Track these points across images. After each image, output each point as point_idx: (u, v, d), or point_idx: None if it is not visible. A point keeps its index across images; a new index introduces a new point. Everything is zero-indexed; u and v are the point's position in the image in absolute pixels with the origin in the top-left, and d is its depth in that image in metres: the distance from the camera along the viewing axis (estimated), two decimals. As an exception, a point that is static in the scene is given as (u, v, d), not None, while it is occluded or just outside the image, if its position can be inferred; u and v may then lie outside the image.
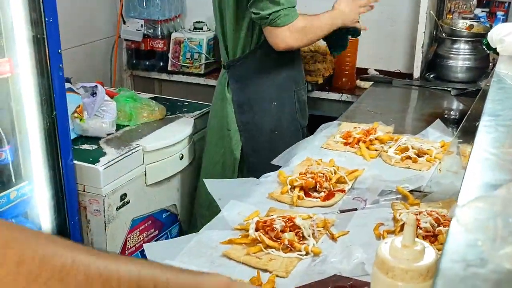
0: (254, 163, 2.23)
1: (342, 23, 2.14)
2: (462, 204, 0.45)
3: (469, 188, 0.50)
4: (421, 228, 1.27)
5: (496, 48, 1.40)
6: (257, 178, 1.65)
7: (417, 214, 1.33)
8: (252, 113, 2.20)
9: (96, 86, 2.16)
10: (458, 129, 1.69)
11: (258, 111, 2.20)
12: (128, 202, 2.16)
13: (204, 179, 1.65)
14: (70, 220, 2.00)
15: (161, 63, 3.26)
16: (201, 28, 3.24)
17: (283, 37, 1.99)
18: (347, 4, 2.13)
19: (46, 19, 1.77)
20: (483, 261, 0.40)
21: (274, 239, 1.26)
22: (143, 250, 2.29)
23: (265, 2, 1.95)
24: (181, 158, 2.39)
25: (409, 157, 1.73)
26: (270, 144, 2.21)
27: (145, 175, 2.23)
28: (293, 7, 2.01)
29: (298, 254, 1.24)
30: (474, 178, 0.53)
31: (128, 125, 2.38)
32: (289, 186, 1.54)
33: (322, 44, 3.17)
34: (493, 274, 0.39)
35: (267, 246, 1.25)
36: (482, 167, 0.56)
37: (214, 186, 1.55)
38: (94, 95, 2.15)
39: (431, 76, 2.78)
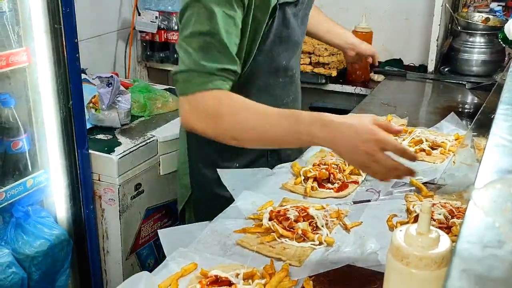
0: (200, 199, 1.71)
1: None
2: (479, 186, 0.45)
3: (486, 173, 0.50)
4: (434, 220, 1.28)
5: (512, 41, 1.40)
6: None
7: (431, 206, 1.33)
8: (208, 173, 1.64)
9: (111, 77, 2.18)
10: (473, 122, 1.68)
11: (214, 172, 1.57)
12: (142, 192, 2.18)
13: (218, 170, 1.55)
14: (85, 209, 2.03)
15: (176, 55, 3.27)
16: (215, 20, 3.24)
17: (182, 110, 1.30)
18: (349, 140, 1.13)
19: (63, 9, 1.79)
20: (500, 242, 0.40)
21: (288, 228, 1.27)
22: (156, 240, 2.32)
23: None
24: (195, 149, 2.41)
25: (423, 150, 1.73)
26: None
27: (159, 165, 2.25)
28: (211, 73, 1.25)
29: (311, 244, 1.25)
30: (490, 164, 0.53)
31: (143, 116, 2.40)
32: (302, 177, 1.54)
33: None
34: (510, 255, 0.39)
35: (281, 236, 1.26)
36: (499, 153, 0.56)
37: (227, 177, 1.55)
38: (110, 86, 2.16)
39: (446, 69, 2.77)
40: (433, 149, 1.74)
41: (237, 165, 1.63)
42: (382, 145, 1.09)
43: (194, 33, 1.25)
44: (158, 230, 1.18)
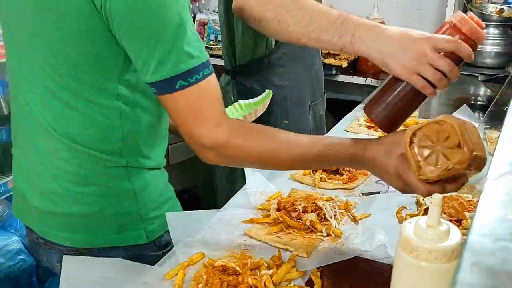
0: None
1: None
2: (492, 178, 0.44)
3: (498, 165, 0.49)
4: (445, 213, 1.26)
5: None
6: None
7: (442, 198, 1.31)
8: None
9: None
10: (485, 114, 1.66)
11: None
12: (150, 181, 2.18)
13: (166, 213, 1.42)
14: (93, 197, 2.03)
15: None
16: (226, 10, 3.24)
17: None
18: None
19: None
20: (513, 235, 0.39)
21: (296, 219, 1.26)
22: (164, 229, 2.32)
23: None
24: (204, 139, 2.41)
25: (434, 142, 1.71)
26: None
27: (168, 155, 2.25)
28: None
29: (319, 235, 1.24)
30: (504, 155, 0.52)
31: (152, 105, 2.40)
32: (311, 168, 1.54)
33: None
34: (523, 248, 0.38)
35: (289, 226, 1.25)
36: (513, 145, 0.55)
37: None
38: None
39: (458, 61, 2.74)
40: (444, 141, 1.72)
41: (286, 122, 1.82)
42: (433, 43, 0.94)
43: None
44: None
